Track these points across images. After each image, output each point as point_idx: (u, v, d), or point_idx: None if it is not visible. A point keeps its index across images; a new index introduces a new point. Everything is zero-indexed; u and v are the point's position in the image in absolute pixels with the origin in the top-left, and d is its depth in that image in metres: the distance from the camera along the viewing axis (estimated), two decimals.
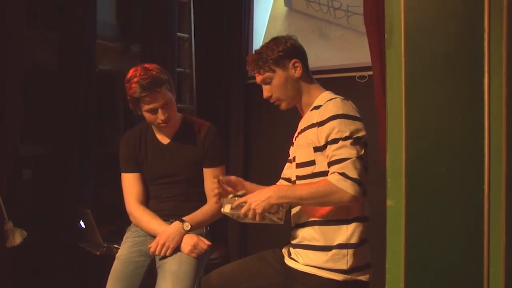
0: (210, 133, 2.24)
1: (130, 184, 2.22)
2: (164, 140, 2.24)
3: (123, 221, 2.39)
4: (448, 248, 1.19)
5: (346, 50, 3.32)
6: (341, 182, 1.65)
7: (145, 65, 2.13)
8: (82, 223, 3.00)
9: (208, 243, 2.11)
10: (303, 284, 1.76)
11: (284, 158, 3.61)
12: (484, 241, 1.15)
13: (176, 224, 2.13)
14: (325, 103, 1.80)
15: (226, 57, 3.88)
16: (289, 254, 1.87)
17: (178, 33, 3.67)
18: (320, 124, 1.76)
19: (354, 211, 1.78)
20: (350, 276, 1.73)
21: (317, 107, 1.84)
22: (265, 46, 1.89)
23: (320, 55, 3.38)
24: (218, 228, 2.28)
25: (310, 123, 1.84)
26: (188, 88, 3.81)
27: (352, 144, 1.70)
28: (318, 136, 1.77)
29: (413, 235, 1.23)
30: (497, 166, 1.13)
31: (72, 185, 3.18)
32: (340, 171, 1.66)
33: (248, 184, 2.01)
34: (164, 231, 2.11)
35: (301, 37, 2.00)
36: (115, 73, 3.73)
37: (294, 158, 1.94)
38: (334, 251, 1.74)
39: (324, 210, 1.78)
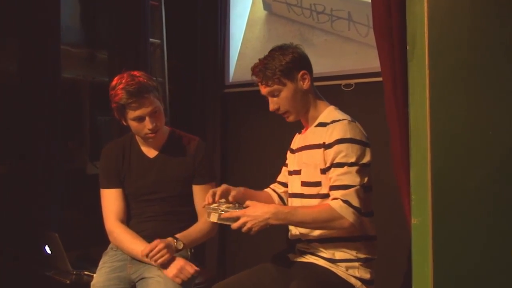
0: (200, 148, 2.24)
1: (111, 201, 2.19)
2: (150, 153, 2.23)
3: (95, 244, 2.35)
4: (479, 269, 1.22)
5: (330, 57, 3.38)
6: (343, 210, 1.73)
7: (132, 72, 2.13)
8: (47, 248, 2.91)
9: (196, 268, 2.07)
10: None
11: (264, 171, 3.62)
12: None
13: (169, 239, 2.10)
14: (332, 123, 1.85)
15: (200, 64, 3.88)
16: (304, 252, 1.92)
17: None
18: (328, 146, 1.83)
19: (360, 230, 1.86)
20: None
21: (323, 125, 1.90)
22: (271, 56, 1.92)
23: None
24: (195, 250, 2.27)
25: (317, 143, 1.89)
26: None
27: (357, 171, 1.77)
28: (324, 158, 1.83)
29: (441, 255, 1.26)
30: None
31: (37, 206, 3.08)
32: (344, 198, 1.74)
33: (253, 192, 2.06)
34: (158, 241, 2.07)
35: (281, 43, 2.03)
36: (80, 82, 3.66)
37: (295, 171, 1.98)
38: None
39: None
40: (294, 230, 1.97)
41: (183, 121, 3.79)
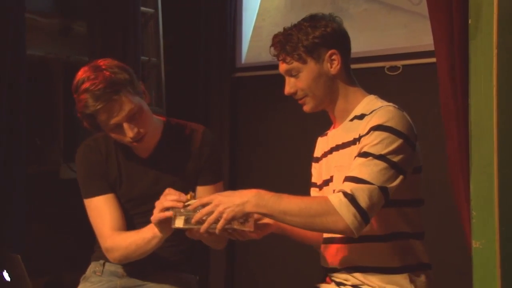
0: (207, 139, 2.24)
1: (103, 211, 2.17)
2: (143, 152, 2.24)
3: (68, 268, 2.38)
4: None
5: (371, 31, 3.36)
6: (342, 206, 1.70)
7: (96, 63, 2.08)
8: (6, 274, 2.94)
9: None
10: None
11: (280, 170, 3.61)
12: None
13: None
14: (371, 113, 1.85)
15: (205, 40, 3.87)
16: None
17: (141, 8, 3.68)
18: (363, 136, 1.82)
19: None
20: None
21: (360, 117, 1.89)
22: (297, 26, 1.91)
23: None
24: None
25: (352, 138, 1.88)
26: (155, 84, 3.82)
27: (384, 169, 1.74)
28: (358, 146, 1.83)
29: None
30: None
31: None
32: (349, 192, 1.71)
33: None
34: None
35: (308, 13, 1.99)
36: (50, 62, 3.71)
37: (325, 181, 1.99)
38: None
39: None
40: (328, 256, 1.96)
41: (183, 112, 3.77)
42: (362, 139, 1.80)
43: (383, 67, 3.27)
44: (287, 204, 1.74)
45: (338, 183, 1.89)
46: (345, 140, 1.91)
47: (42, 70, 3.69)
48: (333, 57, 1.90)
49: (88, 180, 2.22)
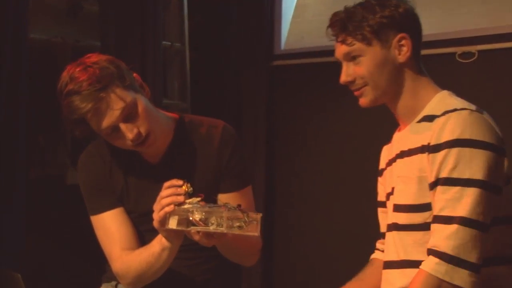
0: (228, 137, 2.24)
1: (111, 229, 2.19)
2: (153, 157, 2.23)
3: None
4: None
5: (441, 9, 3.34)
6: (452, 275, 1.70)
7: (81, 60, 2.10)
8: None
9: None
10: None
11: (325, 177, 3.62)
12: None
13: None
14: (443, 115, 1.81)
15: (237, 23, 3.90)
16: None
17: None
18: (434, 149, 1.78)
19: None
20: None
21: (430, 118, 1.86)
22: (364, 4, 1.90)
23: None
24: None
25: (420, 145, 1.84)
26: (178, 73, 3.84)
27: (480, 196, 1.72)
28: (430, 166, 1.79)
29: None
30: None
31: None
32: (451, 252, 1.70)
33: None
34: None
35: None
36: (57, 47, 3.71)
37: (388, 194, 1.97)
38: None
39: None
40: (393, 280, 1.94)
41: (210, 107, 3.78)
42: (434, 155, 1.78)
43: (453, 53, 3.24)
44: None
45: (399, 196, 1.90)
46: (412, 146, 1.89)
47: (46, 57, 3.67)
48: (403, 42, 1.88)
49: (91, 194, 2.24)
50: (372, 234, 2.19)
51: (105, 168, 2.22)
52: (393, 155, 1.99)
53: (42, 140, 3.67)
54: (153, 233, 2.14)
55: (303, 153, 3.83)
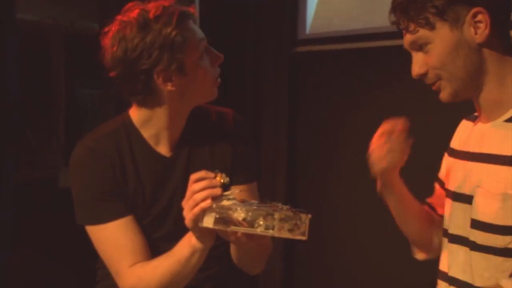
0: (238, 126, 2.32)
1: (121, 241, 2.16)
2: (164, 149, 2.24)
3: None
4: None
5: None
6: None
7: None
8: None
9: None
10: None
11: (351, 172, 3.65)
12: None
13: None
14: None
15: (256, 4, 3.96)
16: None
17: None
18: None
19: None
20: None
21: None
22: None
23: None
24: None
25: (510, 154, 1.79)
26: None
27: None
28: None
29: None
30: None
31: None
32: None
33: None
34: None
35: None
36: (49, 29, 3.75)
37: (459, 195, 1.94)
38: None
39: None
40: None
41: (227, 97, 3.78)
42: None
43: None
44: None
45: (480, 209, 1.85)
46: (498, 152, 1.82)
47: (36, 40, 3.70)
48: (478, 17, 1.78)
49: (94, 200, 2.19)
50: (401, 240, 2.19)
51: (111, 166, 2.18)
52: (470, 149, 1.94)
53: (32, 138, 3.69)
54: (169, 242, 2.16)
55: (328, 149, 3.87)
